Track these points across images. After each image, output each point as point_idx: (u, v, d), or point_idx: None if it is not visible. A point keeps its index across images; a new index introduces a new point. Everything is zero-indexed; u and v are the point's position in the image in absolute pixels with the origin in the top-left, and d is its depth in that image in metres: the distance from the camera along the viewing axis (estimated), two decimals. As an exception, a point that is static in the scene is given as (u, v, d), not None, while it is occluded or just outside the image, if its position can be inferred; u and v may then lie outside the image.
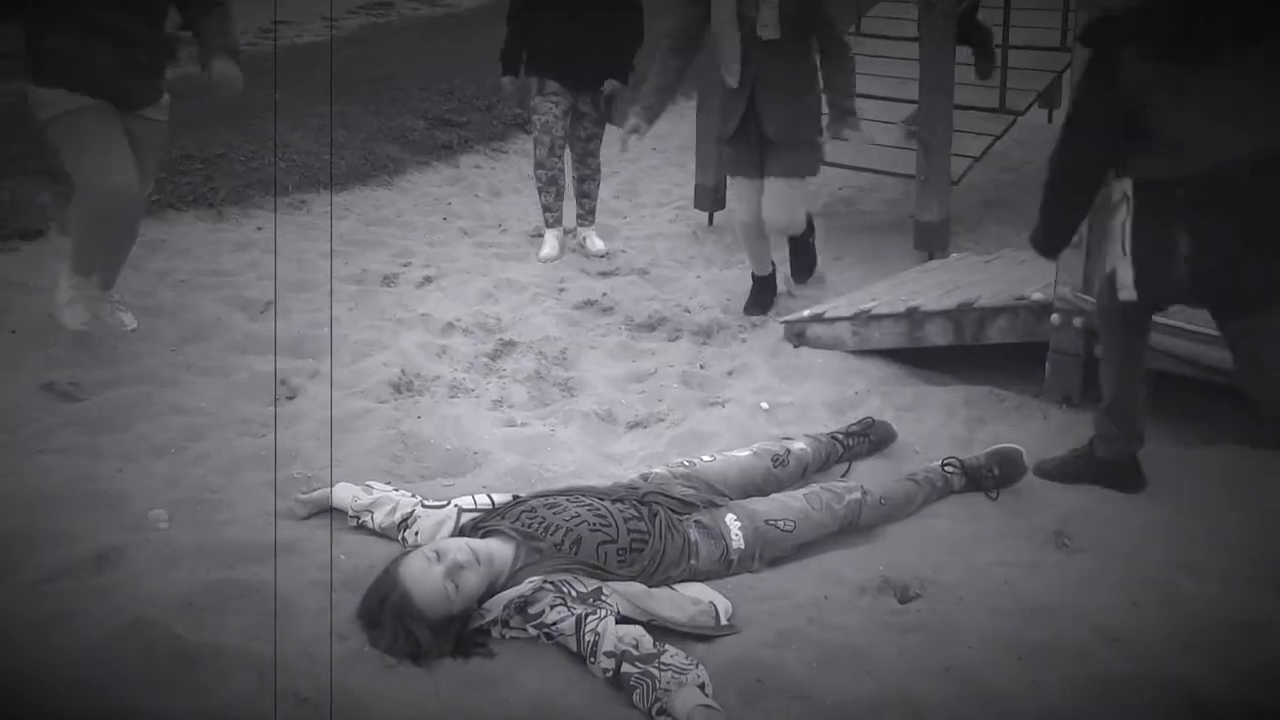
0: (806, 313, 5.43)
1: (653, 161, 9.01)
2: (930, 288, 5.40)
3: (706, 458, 3.81)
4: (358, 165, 7.92)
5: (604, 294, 6.06)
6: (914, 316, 4.98)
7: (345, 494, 3.63)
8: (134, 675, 2.83)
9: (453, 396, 4.78)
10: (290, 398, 4.67)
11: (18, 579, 3.34)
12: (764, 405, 4.62)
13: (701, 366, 5.16)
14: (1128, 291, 3.54)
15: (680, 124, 8.85)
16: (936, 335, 4.95)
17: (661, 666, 2.75)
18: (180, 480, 3.90)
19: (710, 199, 7.33)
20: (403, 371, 4.91)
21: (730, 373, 5.10)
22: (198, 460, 4.06)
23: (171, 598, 3.21)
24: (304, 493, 3.73)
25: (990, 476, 3.89)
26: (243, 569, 3.39)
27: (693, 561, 3.31)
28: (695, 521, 3.41)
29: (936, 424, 4.46)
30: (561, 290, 6.14)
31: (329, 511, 3.64)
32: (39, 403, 4.53)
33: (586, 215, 6.94)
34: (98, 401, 4.54)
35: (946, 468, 3.90)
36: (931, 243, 6.62)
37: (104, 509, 3.71)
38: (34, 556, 3.44)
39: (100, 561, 3.42)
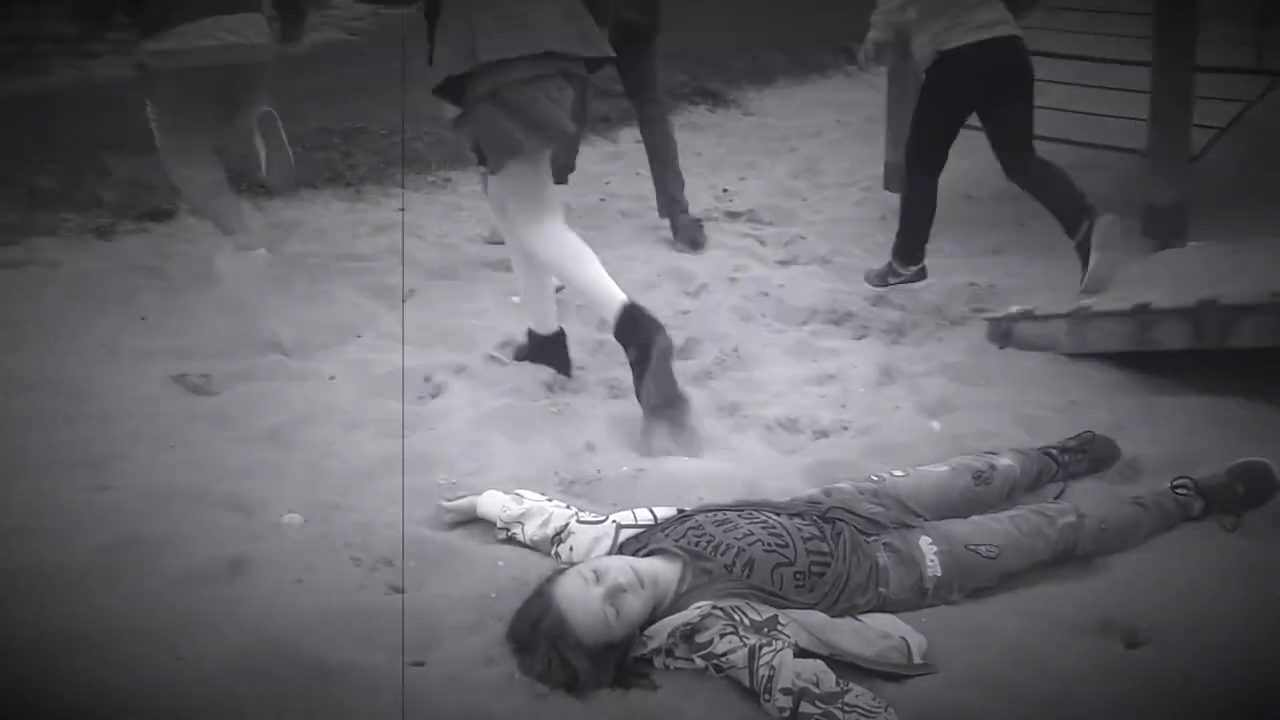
0: (1014, 309, 5.33)
1: (835, 135, 8.95)
2: (1163, 281, 5.23)
3: (898, 473, 3.77)
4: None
5: (781, 285, 6.05)
6: (1143, 315, 4.83)
7: (493, 503, 3.70)
8: (263, 692, 2.94)
9: (614, 396, 4.83)
10: (433, 396, 4.79)
11: (146, 584, 3.51)
12: (935, 425, 4.53)
13: (892, 368, 5.10)
14: None
15: (867, 91, 8.78)
16: (1170, 337, 4.79)
17: (845, 708, 2.73)
18: (315, 483, 4.04)
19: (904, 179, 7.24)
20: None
21: (925, 374, 5.03)
22: (333, 461, 4.19)
23: (304, 610, 3.33)
24: (449, 500, 3.82)
25: (1233, 498, 3.75)
26: (380, 580, 3.50)
27: (881, 589, 3.28)
28: (884, 544, 3.37)
29: (1169, 441, 4.32)
30: (733, 280, 6.15)
31: (476, 521, 3.72)
32: (170, 395, 4.75)
33: None
34: (229, 396, 4.73)
35: (1179, 489, 3.78)
36: (1164, 229, 6.42)
37: (235, 511, 3.88)
38: (163, 560, 3.61)
39: (232, 568, 3.57)
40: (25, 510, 3.87)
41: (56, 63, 9.59)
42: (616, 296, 4.39)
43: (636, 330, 4.32)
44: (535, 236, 4.49)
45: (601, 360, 5.14)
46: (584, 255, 4.47)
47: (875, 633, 3.09)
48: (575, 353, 5.12)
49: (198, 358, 5.07)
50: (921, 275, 5.91)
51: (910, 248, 5.80)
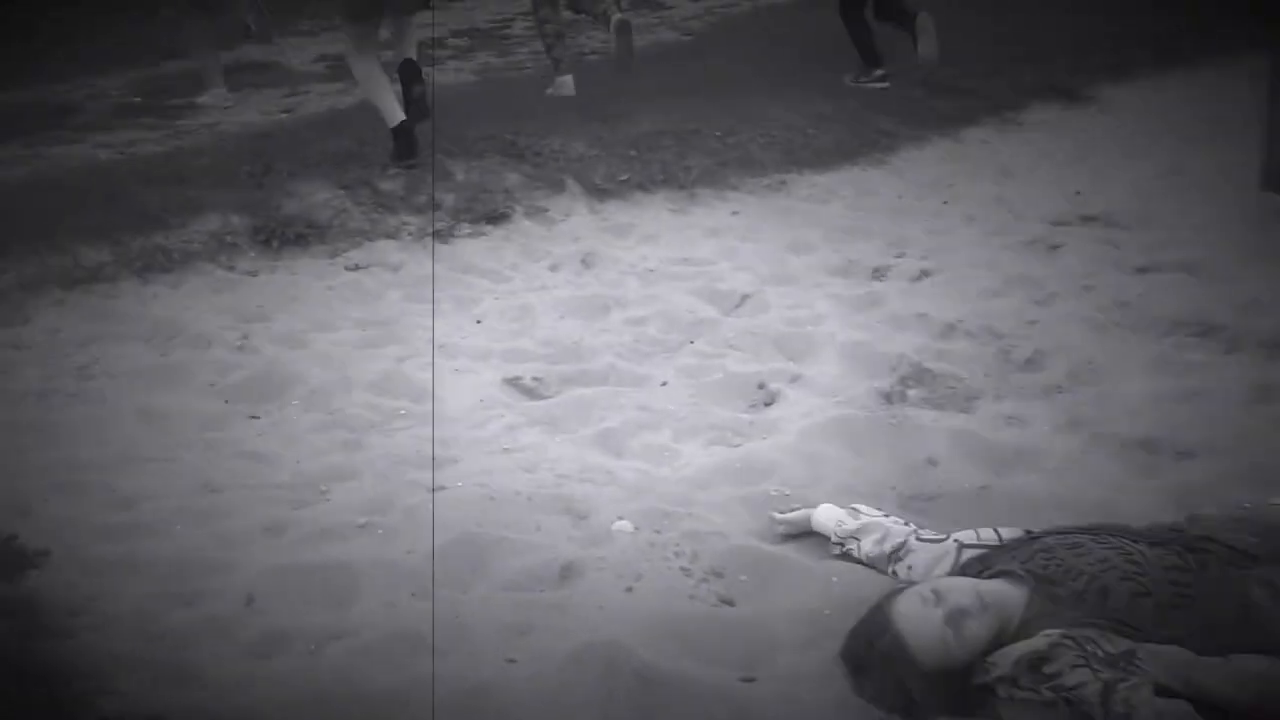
0: None
1: (1202, 132, 8.47)
2: None
3: (1276, 500, 3.54)
4: (844, 140, 8.02)
5: (1140, 294, 5.79)
6: None
7: (828, 517, 3.69)
8: (591, 698, 3.02)
9: (964, 409, 4.74)
10: (767, 403, 4.81)
11: (479, 586, 3.67)
12: None
13: (1270, 385, 4.79)
14: None
15: (1240, 83, 8.28)
16: None
17: (1213, 756, 2.58)
18: (648, 490, 4.12)
19: (1284, 177, 6.80)
20: (900, 379, 4.93)
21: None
22: (667, 468, 4.27)
23: (634, 619, 3.40)
24: (782, 512, 3.83)
25: None
26: (710, 591, 3.54)
27: (1256, 628, 3.08)
28: (1259, 579, 3.17)
29: None
30: (1087, 288, 5.92)
31: (809, 534, 3.72)
32: (504, 398, 4.95)
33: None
34: (562, 399, 4.89)
35: None
36: None
37: (566, 516, 4.00)
38: (496, 562, 3.76)
39: (563, 573, 3.68)
40: (367, 508, 4.11)
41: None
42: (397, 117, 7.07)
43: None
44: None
45: (944, 372, 5.04)
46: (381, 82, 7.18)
47: (1250, 674, 2.91)
48: (923, 358, 5.07)
49: (532, 360, 5.26)
50: None
51: None
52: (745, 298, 5.83)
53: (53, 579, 3.68)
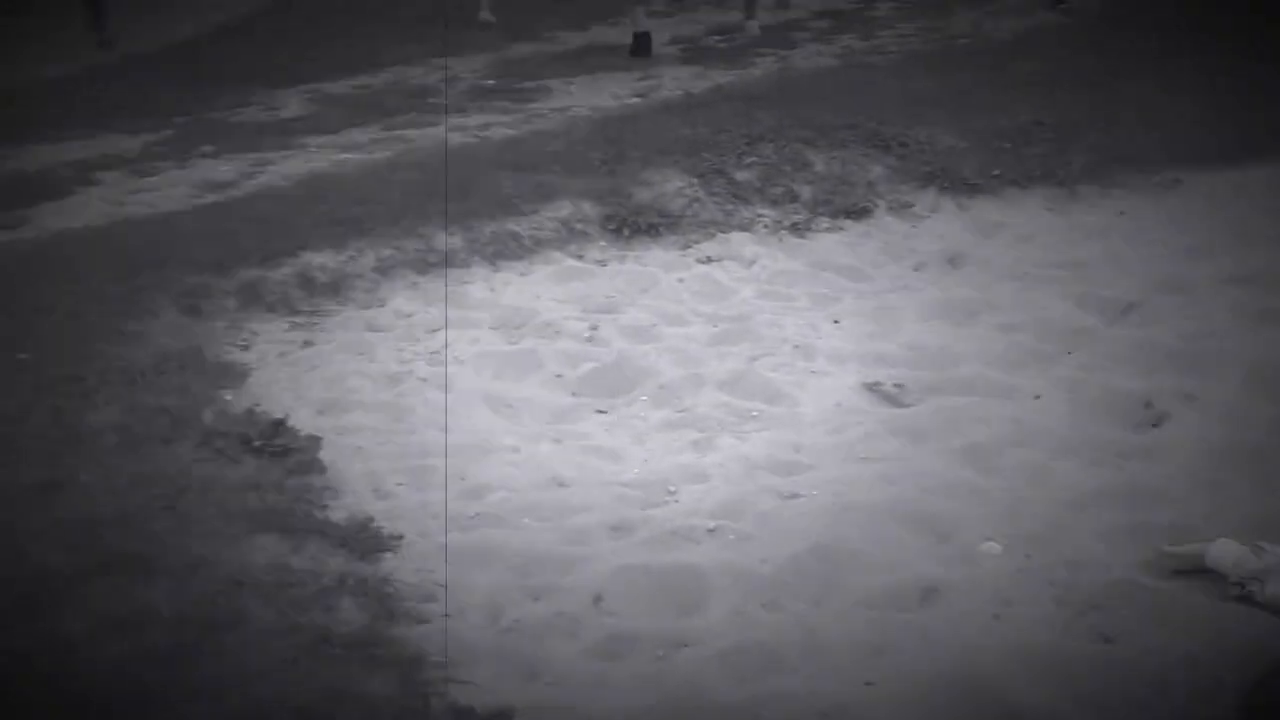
0: None
1: None
2: None
3: None
4: (1249, 132, 7.54)
5: None
6: None
7: (1226, 553, 3.52)
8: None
9: None
10: (1155, 424, 4.61)
11: (834, 602, 3.66)
12: None
13: None
14: None
15: None
16: None
17: None
18: (1017, 510, 4.03)
19: None
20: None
21: None
22: (1041, 488, 4.16)
23: (1000, 648, 3.33)
24: (1171, 545, 3.67)
25: None
26: (1086, 625, 3.43)
27: None
28: None
29: None
30: None
31: (1204, 571, 3.55)
32: (863, 404, 4.92)
33: None
34: (925, 408, 4.83)
35: None
36: None
37: (928, 532, 3.95)
38: (852, 576, 3.75)
39: (924, 594, 3.64)
40: (718, 512, 4.16)
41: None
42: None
43: None
44: None
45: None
46: None
47: None
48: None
49: (893, 365, 5.21)
50: None
51: None
52: (1132, 306, 5.60)
53: (405, 563, 3.89)
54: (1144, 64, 8.63)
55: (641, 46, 9.10)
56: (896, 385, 5.03)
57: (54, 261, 6.14)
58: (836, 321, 5.74)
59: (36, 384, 4.79)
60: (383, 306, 5.91)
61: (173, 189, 7.63)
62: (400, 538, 4.00)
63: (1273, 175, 7.07)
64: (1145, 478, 4.15)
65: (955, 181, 7.01)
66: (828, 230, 6.71)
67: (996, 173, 7.08)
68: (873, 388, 5.04)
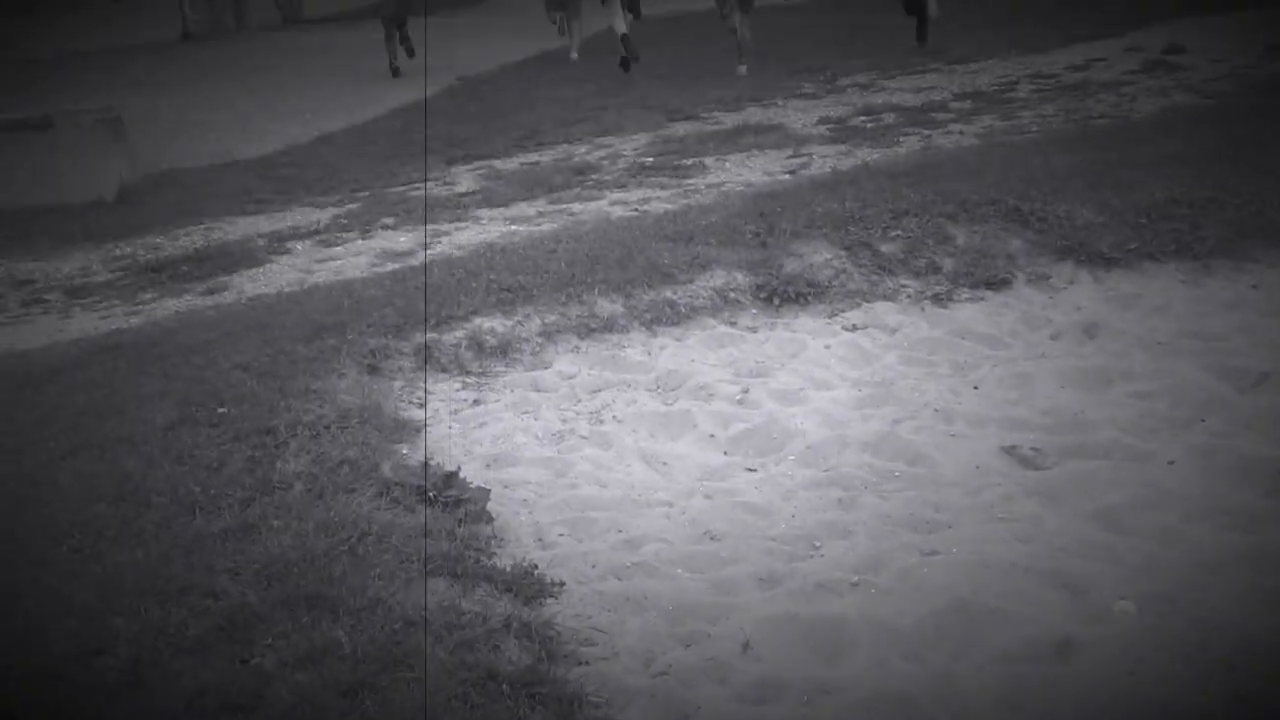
0: None
1: None
2: None
3: None
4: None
5: None
6: None
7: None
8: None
9: None
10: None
11: (973, 655, 3.63)
12: None
13: None
14: None
15: None
16: None
17: None
18: (1151, 571, 3.96)
19: None
20: None
21: None
22: (1175, 550, 4.09)
23: (1136, 706, 3.27)
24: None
25: None
26: (1224, 687, 3.36)
27: None
28: None
29: None
30: None
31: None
32: (1000, 466, 4.88)
33: None
34: (1061, 470, 4.77)
35: None
36: None
37: (1063, 590, 3.91)
38: (989, 632, 3.72)
39: (1059, 650, 3.60)
40: (860, 566, 4.17)
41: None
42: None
43: None
44: None
45: None
46: None
47: None
48: None
49: (1030, 430, 5.16)
50: None
51: None
52: (1264, 376, 5.47)
53: (566, 609, 3.96)
54: (1282, 141, 8.44)
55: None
56: (1033, 449, 4.97)
57: (250, 323, 6.37)
58: (976, 387, 5.70)
59: (235, 435, 4.99)
60: (547, 368, 6.03)
61: (356, 258, 7.88)
62: (561, 585, 4.08)
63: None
64: (1276, 543, 4.04)
65: (1092, 255, 6.92)
66: (968, 300, 6.67)
67: (1133, 246, 6.97)
68: (1010, 451, 4.99)
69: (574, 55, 17.58)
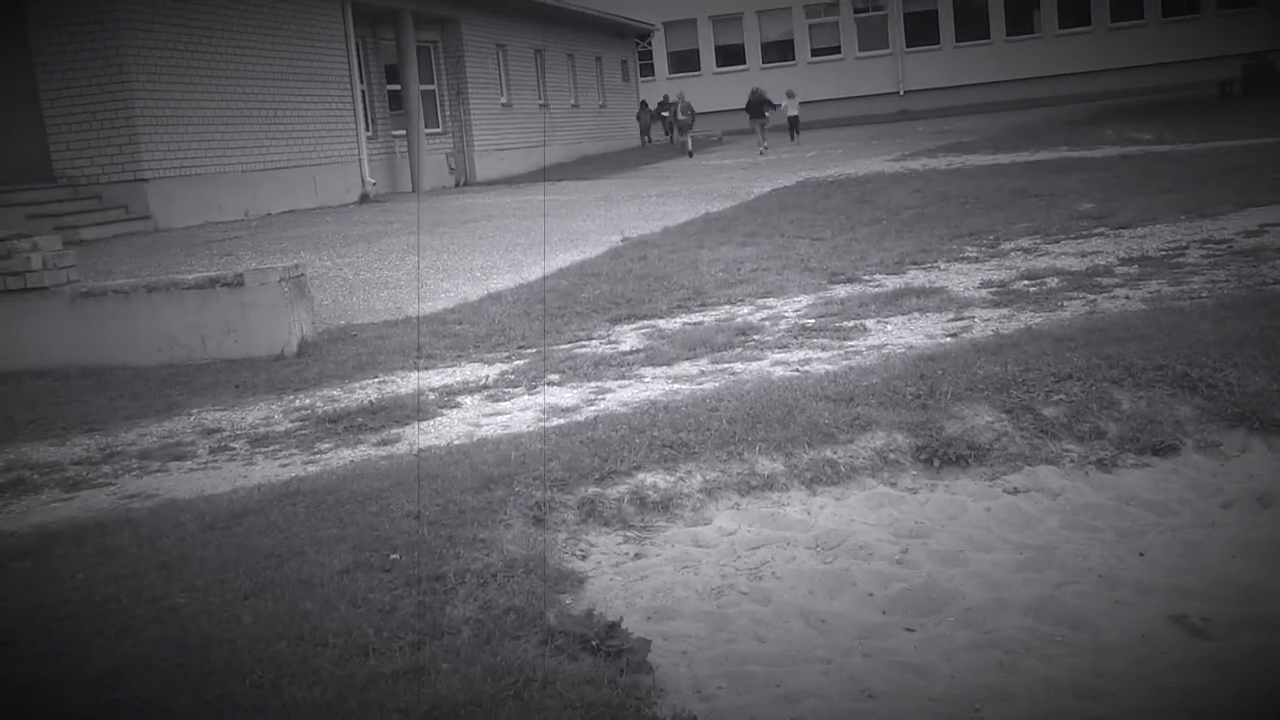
0: None
1: None
2: None
3: None
4: None
5: None
6: None
7: None
8: None
9: None
10: None
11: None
12: None
13: None
14: None
15: None
16: None
17: None
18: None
19: None
20: None
21: None
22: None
23: None
24: None
25: None
26: None
27: None
28: None
29: None
30: None
31: None
32: (1169, 635, 4.83)
33: None
34: (1235, 643, 4.70)
35: None
36: None
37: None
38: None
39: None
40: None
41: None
42: None
43: None
44: None
45: None
46: None
47: None
48: None
49: (1201, 600, 5.10)
50: None
51: None
52: None
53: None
54: None
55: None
56: (1203, 619, 4.92)
57: (421, 474, 6.62)
58: (1142, 554, 5.66)
59: (406, 580, 5.19)
60: (708, 524, 6.15)
61: (523, 413, 8.13)
62: (713, 730, 4.15)
63: None
64: None
65: (1265, 422, 6.85)
66: (1134, 466, 6.64)
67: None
68: (1179, 620, 4.94)
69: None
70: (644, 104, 48.89)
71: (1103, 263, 11.74)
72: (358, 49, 27.56)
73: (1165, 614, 4.99)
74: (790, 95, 39.32)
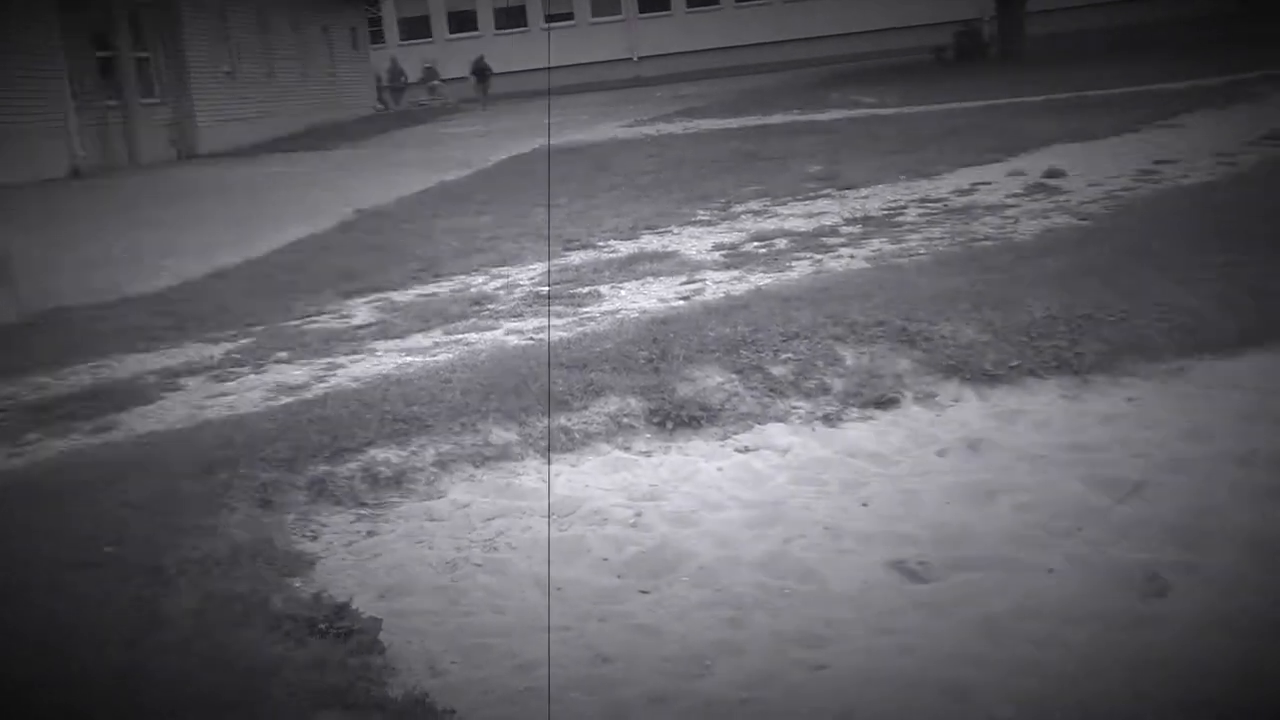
0: None
1: None
2: None
3: None
4: (1252, 325, 7.73)
5: None
6: None
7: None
8: None
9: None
10: (1159, 595, 4.71)
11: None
12: None
13: None
14: None
15: None
16: None
17: None
18: (1036, 676, 4.12)
19: None
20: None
21: None
22: (1051, 655, 4.25)
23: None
24: None
25: None
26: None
27: None
28: None
29: None
30: None
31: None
32: (887, 581, 5.03)
33: None
34: (945, 584, 4.93)
35: None
36: None
37: (949, 698, 4.05)
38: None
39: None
40: (750, 684, 4.27)
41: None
42: None
43: None
44: None
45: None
46: None
47: None
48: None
49: (917, 545, 5.33)
50: None
51: None
52: (1139, 486, 5.72)
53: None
54: (1159, 261, 8.82)
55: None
56: (919, 563, 5.14)
57: (140, 461, 6.38)
58: (865, 504, 5.88)
59: (120, 574, 5.00)
60: (442, 498, 6.11)
61: (249, 392, 7.92)
62: (453, 712, 4.13)
63: (1267, 363, 7.25)
64: (1150, 645, 4.23)
65: (976, 373, 7.19)
66: (857, 420, 6.88)
67: (1015, 364, 7.25)
68: (897, 565, 5.15)
69: None
70: (384, 72, 48.24)
71: (828, 223, 12.10)
72: (60, 9, 26.16)
73: (885, 560, 5.20)
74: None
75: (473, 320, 9.45)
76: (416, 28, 55.70)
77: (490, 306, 9.90)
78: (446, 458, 6.41)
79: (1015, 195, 12.54)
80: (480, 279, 11.22)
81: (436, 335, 9.06)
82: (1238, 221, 9.67)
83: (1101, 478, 5.85)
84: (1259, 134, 14.93)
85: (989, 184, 13.35)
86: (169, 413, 7.63)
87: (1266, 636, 4.24)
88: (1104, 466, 6.00)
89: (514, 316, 9.46)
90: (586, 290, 10.17)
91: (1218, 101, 18.20)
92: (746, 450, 6.60)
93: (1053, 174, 13.26)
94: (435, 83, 38.73)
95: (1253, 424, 6.42)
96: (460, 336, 8.94)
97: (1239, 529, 5.14)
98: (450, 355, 8.25)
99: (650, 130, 24.75)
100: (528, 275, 11.15)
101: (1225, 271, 8.39)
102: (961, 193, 13.05)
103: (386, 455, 6.36)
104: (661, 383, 7.09)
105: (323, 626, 4.56)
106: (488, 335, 8.90)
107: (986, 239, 10.52)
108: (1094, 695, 3.95)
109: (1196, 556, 4.96)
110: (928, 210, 12.31)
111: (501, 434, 6.60)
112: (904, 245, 10.65)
